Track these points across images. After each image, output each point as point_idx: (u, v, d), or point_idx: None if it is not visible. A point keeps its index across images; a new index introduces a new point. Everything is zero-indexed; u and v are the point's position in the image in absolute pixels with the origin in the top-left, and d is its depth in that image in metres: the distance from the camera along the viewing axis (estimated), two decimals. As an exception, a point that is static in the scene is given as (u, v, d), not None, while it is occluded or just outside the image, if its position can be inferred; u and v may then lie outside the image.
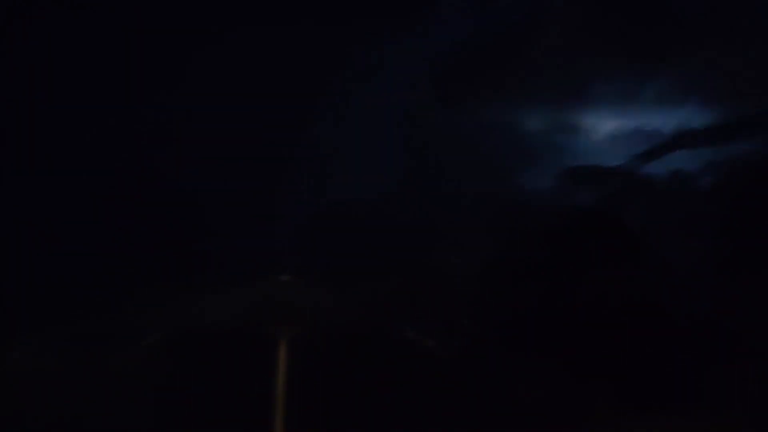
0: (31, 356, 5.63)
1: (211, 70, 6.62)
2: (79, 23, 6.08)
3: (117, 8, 6.37)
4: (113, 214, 6.03)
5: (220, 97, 6.65)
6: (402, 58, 6.98)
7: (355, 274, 6.24)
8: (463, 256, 6.76)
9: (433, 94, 6.89)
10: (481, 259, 6.64)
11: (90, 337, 5.65)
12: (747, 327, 5.69)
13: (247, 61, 6.73)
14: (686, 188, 6.94)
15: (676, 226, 6.64)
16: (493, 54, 7.16)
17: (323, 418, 4.75)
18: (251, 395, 5.35)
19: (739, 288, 6.28)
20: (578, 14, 6.85)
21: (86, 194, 6.14)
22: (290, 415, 4.81)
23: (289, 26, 6.77)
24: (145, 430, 4.88)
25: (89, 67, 6.18)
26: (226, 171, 6.56)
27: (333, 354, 5.39)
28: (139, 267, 6.04)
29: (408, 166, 6.91)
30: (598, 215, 6.56)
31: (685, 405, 5.32)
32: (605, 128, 7.04)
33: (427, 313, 6.15)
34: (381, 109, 6.90)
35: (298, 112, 6.82)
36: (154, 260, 6.00)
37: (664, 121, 7.37)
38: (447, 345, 5.41)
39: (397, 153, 6.94)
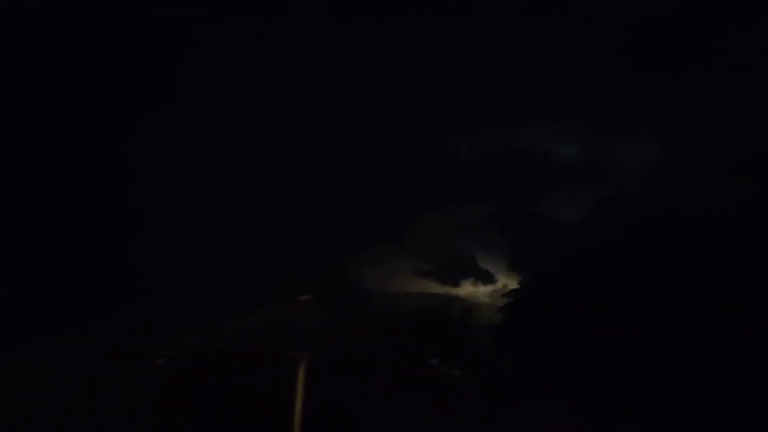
0: (39, 372, 5.46)
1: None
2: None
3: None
4: (129, 229, 5.90)
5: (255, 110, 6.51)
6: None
7: (378, 297, 6.07)
8: (489, 286, 6.58)
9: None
10: (509, 290, 6.45)
11: (101, 354, 5.46)
12: None
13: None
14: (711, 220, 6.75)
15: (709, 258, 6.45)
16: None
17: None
18: (268, 419, 5.16)
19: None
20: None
21: (100, 207, 6.02)
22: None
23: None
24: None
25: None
26: (246, 187, 6.40)
27: (353, 379, 5.18)
28: (154, 283, 5.87)
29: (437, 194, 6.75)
30: (630, 247, 6.37)
31: None
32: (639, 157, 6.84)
33: (453, 342, 5.95)
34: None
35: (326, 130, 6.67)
36: (169, 277, 5.83)
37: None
38: (472, 375, 5.19)
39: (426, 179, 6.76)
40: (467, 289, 6.86)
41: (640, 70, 6.93)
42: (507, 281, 6.97)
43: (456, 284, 6.80)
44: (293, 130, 6.43)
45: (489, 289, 6.96)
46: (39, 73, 5.96)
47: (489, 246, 7.13)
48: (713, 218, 6.40)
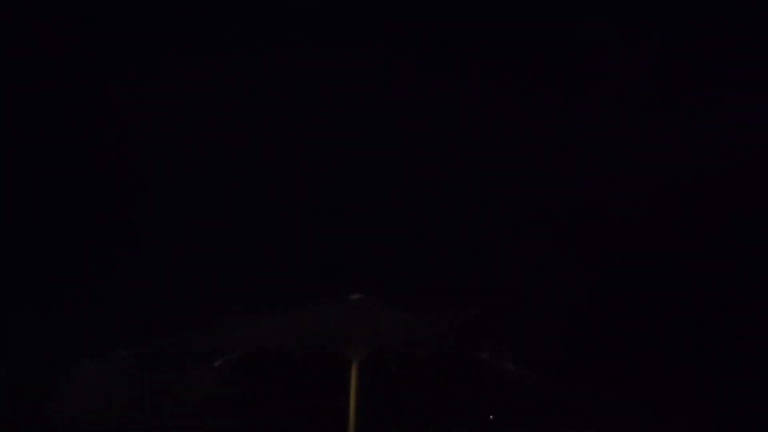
0: (103, 377, 5.62)
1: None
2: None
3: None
4: (176, 231, 6.03)
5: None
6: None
7: (431, 293, 6.04)
8: (546, 278, 6.47)
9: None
10: (565, 282, 6.34)
11: (161, 356, 5.59)
12: None
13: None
14: None
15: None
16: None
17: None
18: (322, 418, 5.21)
19: None
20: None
21: (157, 210, 6.14)
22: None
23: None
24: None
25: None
26: (290, 182, 6.43)
27: (407, 376, 5.19)
28: (210, 286, 5.97)
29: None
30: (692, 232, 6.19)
31: None
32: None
33: (507, 336, 5.90)
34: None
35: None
36: (225, 278, 5.92)
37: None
38: (528, 369, 5.13)
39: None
40: (524, 279, 6.80)
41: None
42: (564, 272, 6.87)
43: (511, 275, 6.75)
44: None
45: (546, 279, 6.90)
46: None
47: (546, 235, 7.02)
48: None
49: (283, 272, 5.90)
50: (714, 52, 6.30)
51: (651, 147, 6.35)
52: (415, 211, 6.25)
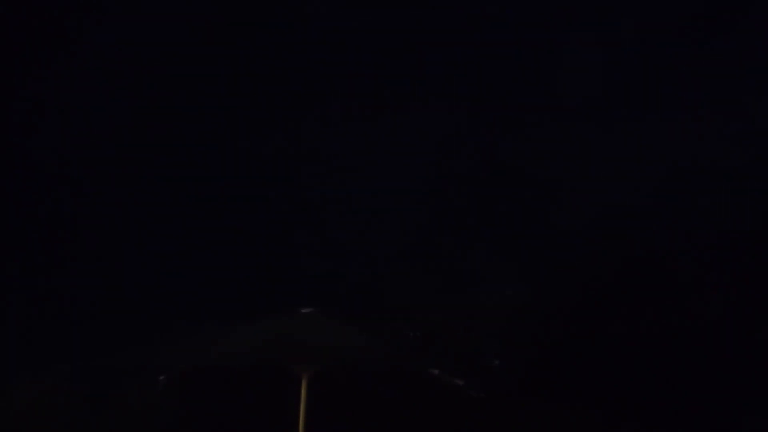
0: (43, 394, 5.49)
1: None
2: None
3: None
4: (124, 242, 5.93)
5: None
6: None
7: (380, 309, 6.07)
8: (494, 294, 6.55)
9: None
10: (514, 297, 6.43)
11: (105, 372, 5.50)
12: None
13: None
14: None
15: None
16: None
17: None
18: (271, 433, 5.18)
19: None
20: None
21: (102, 217, 6.04)
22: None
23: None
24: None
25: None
26: (245, 194, 6.37)
27: (356, 392, 5.19)
28: (155, 299, 5.89)
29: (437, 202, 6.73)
30: (639, 255, 6.34)
31: None
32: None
33: (456, 351, 5.95)
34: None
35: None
36: (170, 291, 5.84)
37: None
38: (476, 384, 5.19)
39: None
40: (471, 294, 6.88)
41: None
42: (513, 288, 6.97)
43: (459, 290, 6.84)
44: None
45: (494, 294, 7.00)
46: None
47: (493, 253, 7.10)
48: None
49: (233, 285, 5.85)
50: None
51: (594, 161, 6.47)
52: (366, 227, 6.27)
